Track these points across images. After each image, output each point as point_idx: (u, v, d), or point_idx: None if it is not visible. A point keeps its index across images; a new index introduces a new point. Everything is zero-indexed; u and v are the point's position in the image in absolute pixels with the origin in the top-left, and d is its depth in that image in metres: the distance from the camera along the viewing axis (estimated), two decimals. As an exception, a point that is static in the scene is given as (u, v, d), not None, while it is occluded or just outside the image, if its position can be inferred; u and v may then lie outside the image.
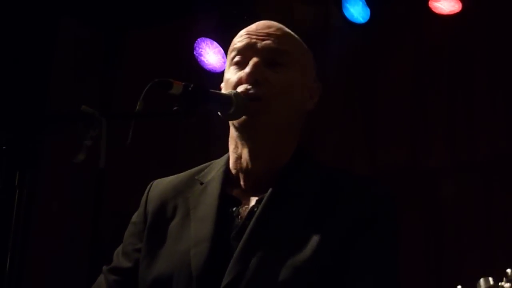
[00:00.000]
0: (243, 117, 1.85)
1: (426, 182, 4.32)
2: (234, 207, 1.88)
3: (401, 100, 4.49)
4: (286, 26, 2.01)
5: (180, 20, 5.03)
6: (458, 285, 1.91)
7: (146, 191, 2.03)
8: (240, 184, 1.92)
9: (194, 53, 4.60)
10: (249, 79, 1.86)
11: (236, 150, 1.92)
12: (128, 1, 5.02)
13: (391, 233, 1.83)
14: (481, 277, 1.85)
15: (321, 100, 2.01)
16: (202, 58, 4.61)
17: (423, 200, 4.29)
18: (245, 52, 1.92)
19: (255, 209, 1.84)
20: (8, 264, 1.54)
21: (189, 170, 2.04)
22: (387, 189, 1.88)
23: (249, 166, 1.90)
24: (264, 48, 1.91)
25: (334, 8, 4.38)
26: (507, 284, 1.91)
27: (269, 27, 1.96)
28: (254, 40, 1.92)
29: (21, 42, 4.66)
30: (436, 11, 4.25)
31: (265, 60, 1.90)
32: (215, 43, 4.59)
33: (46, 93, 4.87)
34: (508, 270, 1.85)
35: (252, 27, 1.97)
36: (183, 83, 1.75)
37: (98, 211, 5.01)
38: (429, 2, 4.25)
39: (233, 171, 1.93)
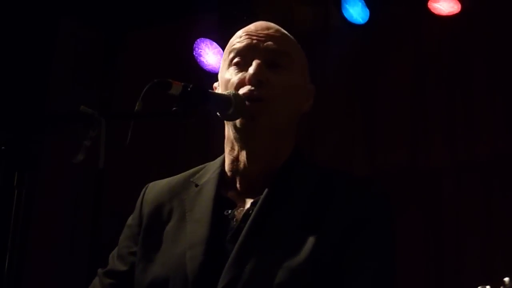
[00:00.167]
0: (243, 118, 1.85)
1: (426, 182, 4.32)
2: (229, 210, 1.87)
3: (401, 100, 4.49)
4: (286, 27, 2.00)
5: (180, 21, 5.03)
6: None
7: (141, 194, 2.02)
8: (235, 186, 1.91)
9: (194, 53, 4.60)
10: (252, 80, 1.85)
11: (233, 152, 1.91)
12: (128, 2, 5.01)
13: (386, 232, 1.83)
14: (480, 281, 1.84)
15: (321, 100, 2.02)
16: (202, 59, 4.61)
17: (423, 200, 4.29)
18: (246, 53, 1.91)
19: (250, 212, 1.84)
20: (7, 265, 1.54)
21: (185, 172, 2.03)
22: (382, 189, 1.88)
23: (246, 168, 1.89)
24: (266, 49, 1.90)
25: (334, 9, 4.39)
26: (505, 293, 1.91)
27: (268, 28, 1.95)
28: (255, 41, 1.91)
29: (21, 42, 4.65)
30: (435, 12, 4.26)
31: (266, 62, 1.89)
32: (214, 43, 4.59)
33: (46, 93, 4.86)
34: (506, 279, 1.85)
35: (251, 27, 1.96)
36: (183, 83, 1.75)
37: (98, 212, 5.01)
38: (428, 3, 4.25)
39: (229, 173, 1.93)
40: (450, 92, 4.37)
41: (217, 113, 1.85)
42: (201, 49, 4.60)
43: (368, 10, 4.31)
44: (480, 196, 4.15)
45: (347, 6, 4.31)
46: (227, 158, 1.94)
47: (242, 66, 1.91)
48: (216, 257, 1.79)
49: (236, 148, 1.91)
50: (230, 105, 1.82)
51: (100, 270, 1.99)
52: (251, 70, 1.87)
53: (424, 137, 4.39)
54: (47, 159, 4.37)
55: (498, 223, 4.05)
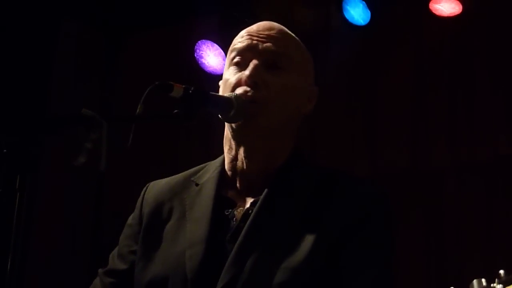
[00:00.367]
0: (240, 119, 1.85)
1: (427, 183, 4.32)
2: (229, 209, 1.87)
3: (402, 101, 4.49)
4: (287, 28, 2.00)
5: (181, 22, 5.04)
6: (451, 286, 1.92)
7: (142, 193, 2.02)
8: (235, 186, 1.91)
9: (195, 55, 4.60)
10: (248, 81, 1.86)
11: (231, 151, 1.92)
12: (129, 3, 5.02)
13: (385, 232, 1.83)
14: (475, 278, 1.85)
15: (322, 101, 2.01)
16: (203, 61, 4.62)
17: (424, 201, 4.29)
18: (245, 53, 1.91)
19: (250, 211, 1.84)
20: (9, 267, 1.55)
21: (185, 171, 2.03)
22: (381, 189, 1.88)
23: (245, 168, 1.89)
24: (265, 50, 1.90)
25: (335, 10, 4.39)
26: (499, 286, 1.91)
27: (270, 29, 1.95)
28: (255, 42, 1.91)
29: (22, 44, 4.66)
30: (437, 13, 4.26)
31: (265, 63, 1.89)
32: (215, 45, 4.59)
33: (47, 95, 4.86)
34: (501, 271, 1.85)
35: (253, 27, 1.96)
36: (184, 85, 1.75)
37: (99, 214, 5.01)
38: (430, 4, 4.25)
39: (229, 173, 1.93)
40: (452, 93, 4.37)
41: (219, 115, 1.85)
42: (202, 50, 4.61)
43: (369, 12, 4.31)
44: (481, 197, 4.15)
45: (348, 7, 4.32)
46: (226, 157, 1.94)
47: (241, 66, 1.91)
48: (216, 257, 1.79)
49: (234, 147, 1.91)
50: (231, 107, 1.82)
51: (100, 270, 2.00)
52: (247, 71, 1.87)
53: (425, 137, 4.39)
54: (48, 162, 4.37)
55: (499, 224, 4.05)
